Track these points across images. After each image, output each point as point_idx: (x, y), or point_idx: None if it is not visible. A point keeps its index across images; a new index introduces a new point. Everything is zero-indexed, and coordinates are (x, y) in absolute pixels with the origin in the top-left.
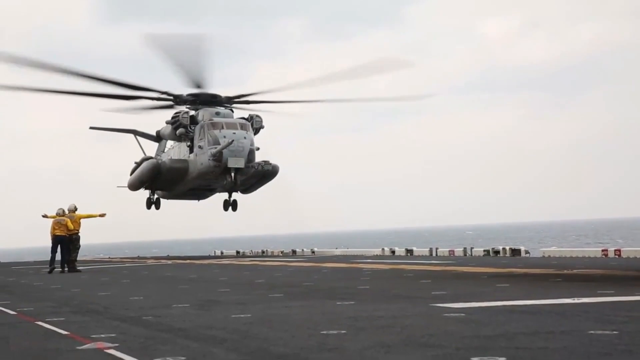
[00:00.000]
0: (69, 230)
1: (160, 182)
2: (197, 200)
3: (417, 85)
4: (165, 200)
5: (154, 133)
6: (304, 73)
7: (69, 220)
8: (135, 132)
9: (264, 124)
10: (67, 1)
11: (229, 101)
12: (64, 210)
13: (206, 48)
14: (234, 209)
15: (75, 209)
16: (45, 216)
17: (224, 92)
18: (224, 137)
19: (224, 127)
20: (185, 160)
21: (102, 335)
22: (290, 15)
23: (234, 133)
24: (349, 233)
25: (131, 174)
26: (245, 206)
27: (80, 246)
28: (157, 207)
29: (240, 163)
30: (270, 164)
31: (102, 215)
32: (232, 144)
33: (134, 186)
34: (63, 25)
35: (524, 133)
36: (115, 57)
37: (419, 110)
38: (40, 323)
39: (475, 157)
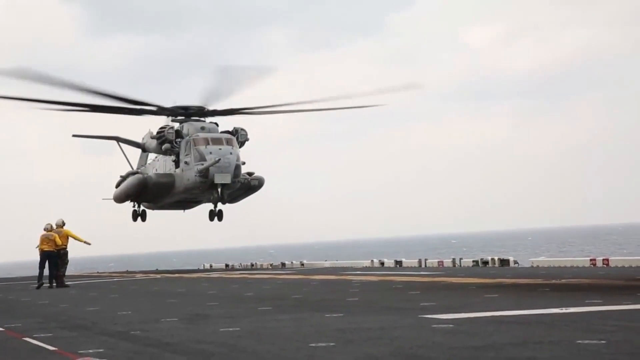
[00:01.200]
0: (56, 245)
1: (146, 195)
2: (182, 211)
3: (402, 93)
4: (151, 210)
5: (136, 139)
6: (290, 83)
7: (56, 235)
8: (118, 139)
9: (249, 136)
10: (53, 14)
11: (212, 113)
12: (52, 226)
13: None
14: (220, 219)
15: (64, 224)
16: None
17: (207, 103)
18: (210, 153)
19: (210, 142)
20: (171, 175)
21: (90, 351)
22: (276, 25)
23: (220, 149)
24: (335, 243)
25: (116, 187)
26: (234, 218)
27: (68, 261)
28: (143, 219)
29: (226, 179)
30: (257, 177)
31: (87, 243)
32: (219, 161)
33: (119, 199)
34: (49, 38)
35: (511, 141)
36: (102, 69)
37: (405, 118)
38: (27, 339)
39: (461, 165)
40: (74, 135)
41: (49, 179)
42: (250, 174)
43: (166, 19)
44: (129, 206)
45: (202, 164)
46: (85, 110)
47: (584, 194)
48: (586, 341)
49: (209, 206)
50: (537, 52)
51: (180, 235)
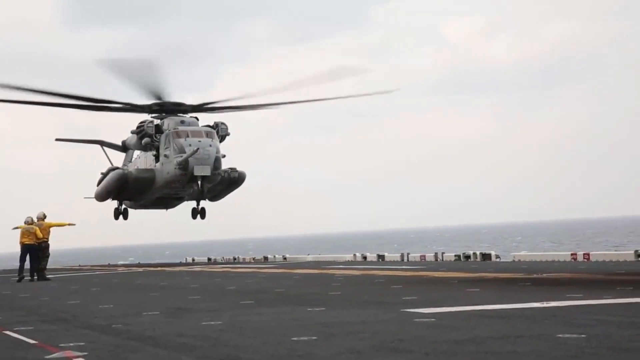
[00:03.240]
0: (37, 238)
1: (127, 192)
2: (165, 210)
3: (382, 87)
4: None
5: (120, 143)
6: (270, 76)
7: (37, 228)
8: (102, 143)
9: (229, 131)
10: (30, 5)
11: (194, 109)
12: (32, 219)
13: (162, 65)
14: (202, 217)
15: (44, 217)
16: (16, 228)
17: (188, 99)
18: (190, 145)
19: (189, 135)
20: (151, 170)
21: (71, 344)
22: (256, 18)
23: (200, 141)
24: (319, 236)
25: (98, 185)
26: (215, 212)
27: (49, 254)
28: (125, 218)
29: (206, 171)
30: (237, 171)
31: (72, 225)
32: (198, 152)
33: (100, 197)
34: (26, 29)
35: (493, 135)
36: (80, 61)
37: (386, 112)
38: (8, 332)
39: (442, 158)
40: (57, 140)
41: (30, 170)
42: (232, 169)
43: (146, 10)
44: (111, 203)
45: (182, 156)
46: (66, 106)
47: (567, 188)
48: (567, 335)
49: (192, 204)
50: (518, 45)
51: (160, 228)
